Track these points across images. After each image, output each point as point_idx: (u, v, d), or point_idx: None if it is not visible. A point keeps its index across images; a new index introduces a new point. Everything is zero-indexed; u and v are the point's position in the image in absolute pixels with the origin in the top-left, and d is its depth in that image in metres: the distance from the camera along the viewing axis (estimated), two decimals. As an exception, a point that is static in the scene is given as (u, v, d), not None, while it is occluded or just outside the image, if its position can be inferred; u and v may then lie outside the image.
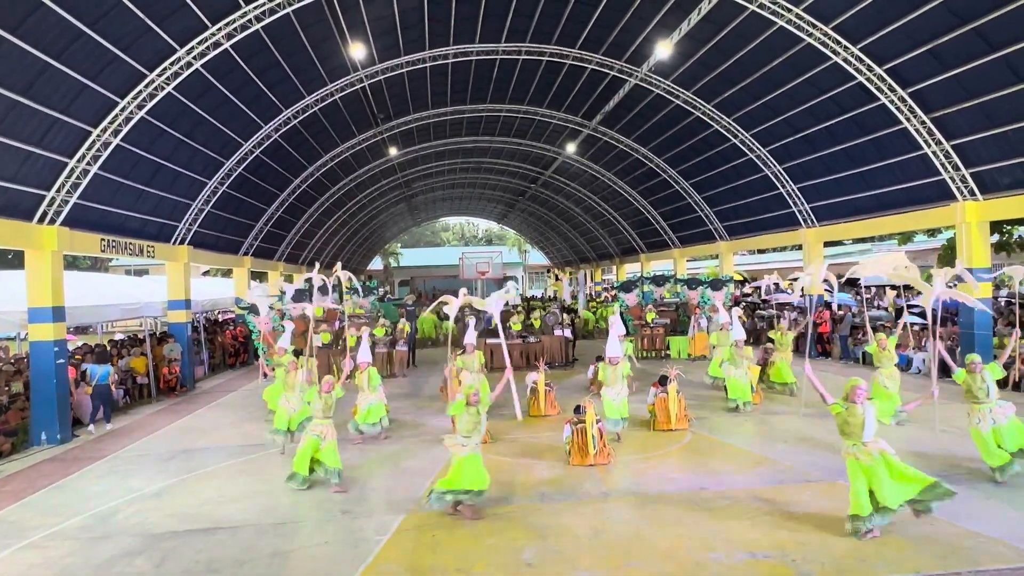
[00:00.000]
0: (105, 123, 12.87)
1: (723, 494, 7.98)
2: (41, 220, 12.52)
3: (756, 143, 19.79)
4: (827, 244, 23.47)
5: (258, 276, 30.15)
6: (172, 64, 13.18)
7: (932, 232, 27.33)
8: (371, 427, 11.25)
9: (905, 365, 16.00)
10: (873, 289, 25.70)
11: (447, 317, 12.57)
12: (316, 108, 18.84)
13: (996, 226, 20.03)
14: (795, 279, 18.57)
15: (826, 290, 20.46)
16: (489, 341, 19.34)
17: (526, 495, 8.21)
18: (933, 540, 6.46)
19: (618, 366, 10.81)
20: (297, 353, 18.83)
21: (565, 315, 22.33)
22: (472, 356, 13.37)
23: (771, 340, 15.71)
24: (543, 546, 6.66)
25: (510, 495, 8.21)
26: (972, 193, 14.78)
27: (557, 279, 53.44)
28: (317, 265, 13.51)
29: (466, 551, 6.61)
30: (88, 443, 12.00)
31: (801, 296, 20.02)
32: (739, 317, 13.83)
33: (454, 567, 6.27)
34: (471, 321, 15.14)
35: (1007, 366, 14.43)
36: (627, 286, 23.29)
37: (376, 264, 58.82)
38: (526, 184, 37.30)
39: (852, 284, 27.72)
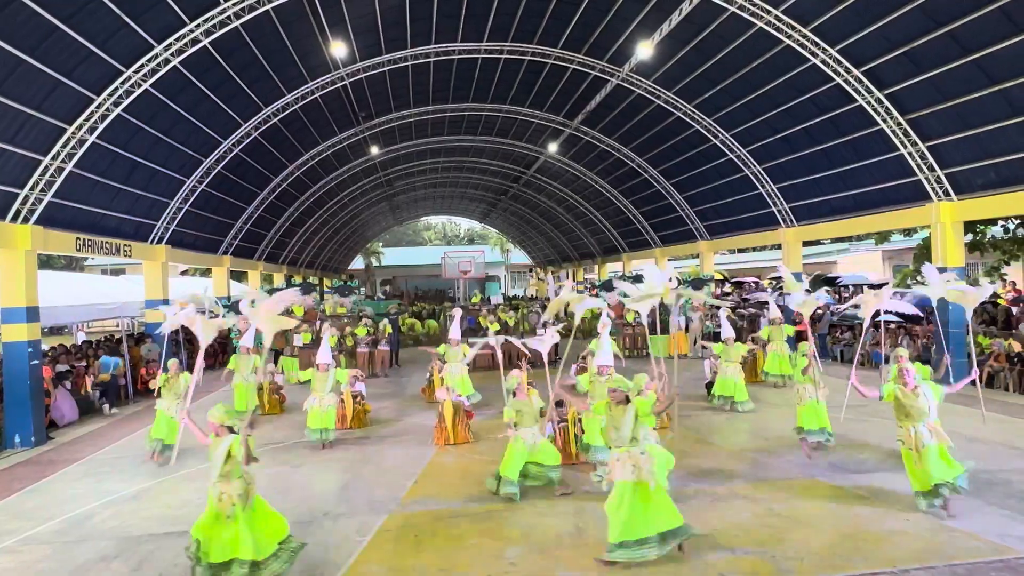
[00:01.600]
0: (80, 120, 12.66)
1: (704, 492, 8.05)
2: (15, 219, 12.27)
3: (736, 143, 19.96)
4: (806, 243, 23.73)
5: (238, 275, 29.83)
6: (149, 61, 12.99)
7: (908, 232, 27.72)
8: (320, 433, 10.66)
9: (885, 362, 16.21)
10: (851, 288, 26.03)
11: (429, 316, 12.50)
12: (296, 106, 18.68)
13: (970, 226, 20.38)
14: (775, 279, 18.70)
15: (805, 290, 20.67)
16: (471, 341, 19.30)
17: (509, 494, 8.19)
18: (909, 535, 6.57)
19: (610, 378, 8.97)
20: (276, 353, 18.79)
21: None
22: (457, 349, 13.40)
23: (753, 339, 15.88)
24: (526, 546, 6.66)
25: (493, 495, 8.20)
26: (947, 193, 15.03)
27: (540, 279, 53.49)
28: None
29: (449, 551, 6.60)
30: (63, 445, 11.80)
31: (780, 294, 20.23)
32: (728, 316, 13.92)
33: (437, 567, 6.25)
34: (457, 313, 15.10)
35: (980, 364, 14.75)
36: (608, 285, 23.37)
37: (358, 263, 58.50)
38: (508, 183, 37.29)
39: (830, 283, 28.09)
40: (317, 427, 10.64)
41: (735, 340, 13.36)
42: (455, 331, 13.67)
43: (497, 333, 19.97)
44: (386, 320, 19.50)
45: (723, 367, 12.79)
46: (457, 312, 15.33)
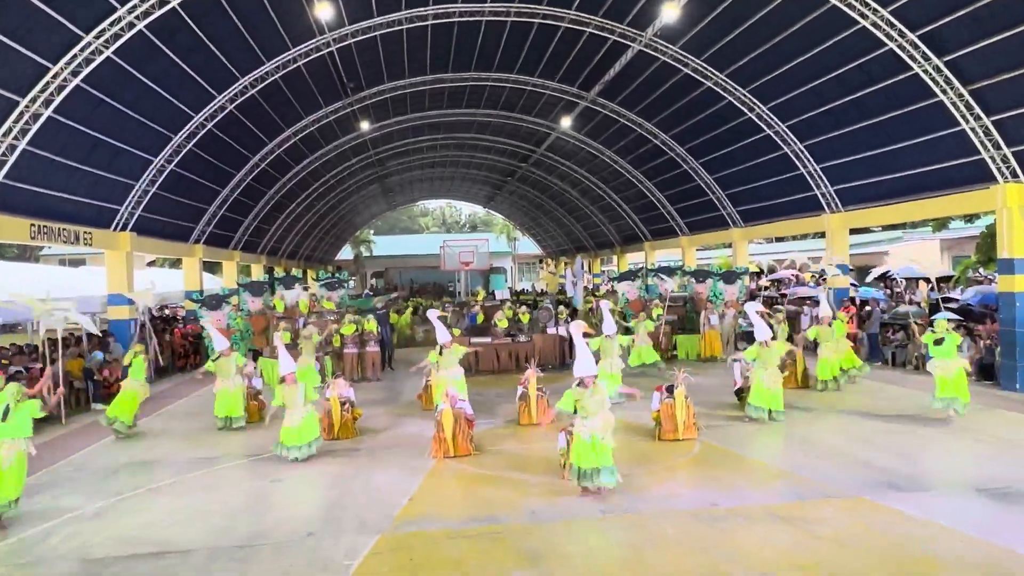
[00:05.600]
0: (35, 92, 12.73)
1: (736, 511, 8.05)
2: (-39, 203, 12.38)
3: (774, 117, 19.87)
4: (853, 231, 23.61)
5: (211, 267, 29.96)
6: (112, 25, 13.04)
7: (970, 218, 27.59)
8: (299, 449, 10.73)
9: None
10: (903, 282, 25.91)
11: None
12: (277, 76, 18.71)
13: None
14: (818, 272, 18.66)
15: (852, 284, 20.64)
16: (474, 340, 19.36)
17: (515, 513, 8.22)
18: (966, 560, 6.54)
19: (598, 389, 8.89)
20: (256, 353, 18.87)
21: (563, 308, 22.32)
22: (449, 352, 13.32)
23: (790, 339, 15.84)
24: (534, 571, 6.68)
25: (496, 514, 8.23)
26: (1014, 175, 14.91)
27: (551, 272, 53.42)
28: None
29: (447, 576, 6.64)
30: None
31: (822, 289, 20.18)
32: (763, 314, 13.84)
33: (434, 594, 6.29)
34: (432, 315, 15.08)
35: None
36: (628, 277, 23.33)
37: (346, 254, 58.61)
38: (516, 163, 37.24)
39: (881, 278, 28.03)
40: (295, 443, 10.62)
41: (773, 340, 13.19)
42: (442, 334, 13.65)
43: (507, 331, 20.11)
44: (370, 316, 19.49)
45: (758, 373, 12.58)
46: (432, 314, 15.30)
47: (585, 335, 10.08)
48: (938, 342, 12.20)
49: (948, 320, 13.51)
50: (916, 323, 15.22)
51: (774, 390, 12.33)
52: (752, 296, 23.34)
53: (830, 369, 15.01)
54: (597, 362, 10.53)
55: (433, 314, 15.23)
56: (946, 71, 14.64)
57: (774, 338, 13.48)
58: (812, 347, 15.78)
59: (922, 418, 12.19)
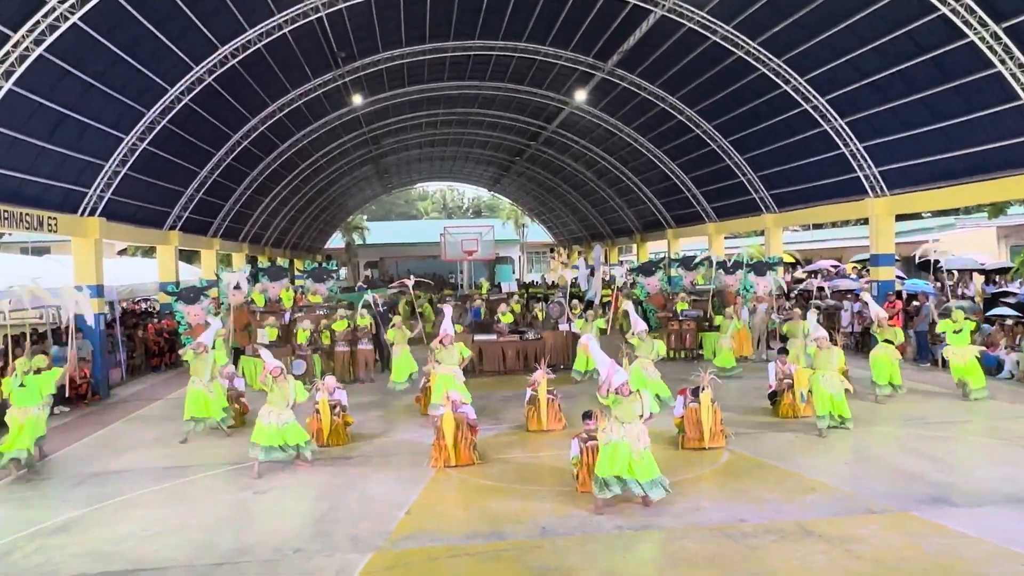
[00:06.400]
0: (-7, 63, 12.77)
1: (766, 527, 8.05)
2: (-86, 185, 12.45)
3: (812, 91, 19.76)
4: (900, 217, 23.50)
5: (188, 256, 30.05)
6: (78, -13, 13.06)
7: (1030, 203, 27.43)
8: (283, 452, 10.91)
9: (995, 368, 16.15)
10: (955, 274, 25.79)
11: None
12: (260, 44, 18.67)
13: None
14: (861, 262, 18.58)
15: (897, 276, 20.55)
16: (478, 338, 19.37)
17: (522, 529, 8.26)
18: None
19: (632, 397, 9.01)
20: (237, 352, 18.94)
21: (577, 301, 22.28)
22: (452, 349, 13.47)
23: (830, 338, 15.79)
24: (544, 591, 6.71)
25: (502, 529, 8.26)
26: (1082, 155, 14.85)
27: (563, 262, 53.33)
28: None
29: (448, 598, 6.67)
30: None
31: (865, 282, 20.11)
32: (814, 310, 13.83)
33: (434, 617, 6.33)
34: (446, 309, 15.25)
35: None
36: (648, 268, 23.29)
37: (337, 242, 58.68)
38: (524, 142, 37.18)
39: (926, 267, 27.93)
40: (272, 443, 10.64)
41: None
42: (447, 325, 13.87)
43: (513, 327, 20.13)
44: (363, 311, 19.52)
45: (822, 378, 12.33)
46: (447, 308, 15.48)
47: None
48: (958, 332, 14.20)
49: (1007, 316, 13.59)
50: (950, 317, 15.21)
51: (837, 396, 12.14)
52: (786, 292, 23.23)
53: (885, 372, 14.83)
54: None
55: (447, 309, 15.37)
56: (1005, 39, 14.53)
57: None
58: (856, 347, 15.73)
59: (975, 425, 12.16)
